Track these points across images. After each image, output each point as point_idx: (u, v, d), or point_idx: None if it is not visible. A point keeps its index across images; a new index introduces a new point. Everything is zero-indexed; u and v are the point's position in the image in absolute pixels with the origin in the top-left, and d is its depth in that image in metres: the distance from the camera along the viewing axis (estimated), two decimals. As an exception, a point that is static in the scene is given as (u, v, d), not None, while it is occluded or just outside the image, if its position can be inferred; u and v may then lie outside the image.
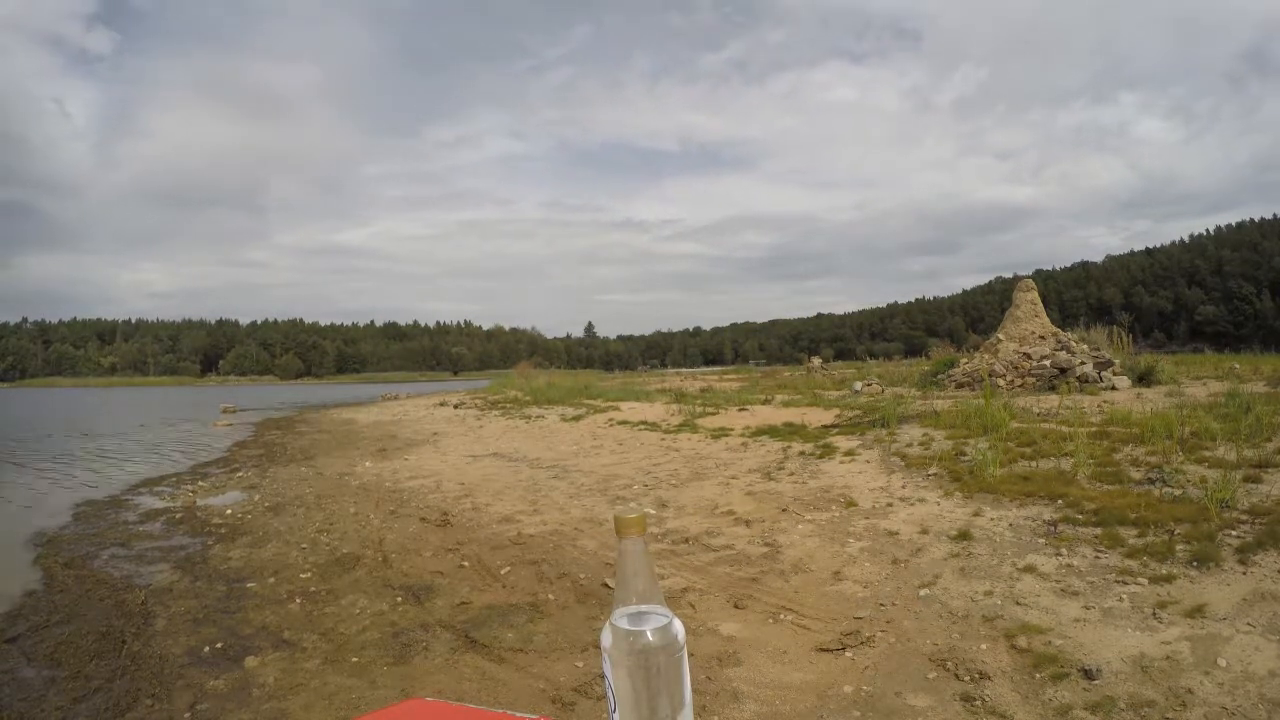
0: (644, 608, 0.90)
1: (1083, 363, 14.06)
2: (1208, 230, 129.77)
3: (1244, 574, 3.99)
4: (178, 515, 8.04)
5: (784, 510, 6.33)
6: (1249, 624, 3.44)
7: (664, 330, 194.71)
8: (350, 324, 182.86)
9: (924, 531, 5.41)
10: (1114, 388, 12.98)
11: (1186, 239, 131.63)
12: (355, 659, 3.88)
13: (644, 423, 13.59)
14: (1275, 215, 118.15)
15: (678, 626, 0.91)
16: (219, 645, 4.19)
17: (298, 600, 4.92)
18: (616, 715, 0.89)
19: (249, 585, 5.32)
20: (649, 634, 0.88)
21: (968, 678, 3.24)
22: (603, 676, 0.92)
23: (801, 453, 8.76)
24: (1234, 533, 4.49)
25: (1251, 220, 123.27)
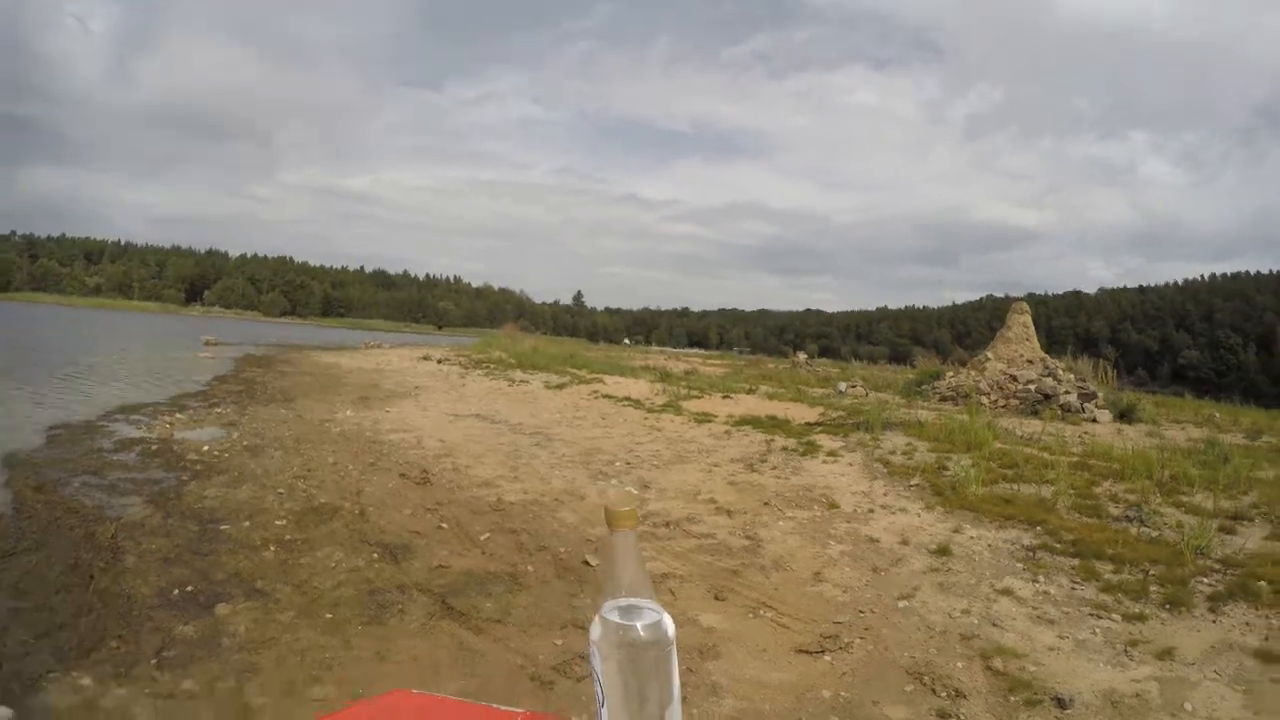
0: (634, 601, 0.89)
1: (1067, 392, 14.16)
2: (1202, 276, 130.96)
3: (1214, 622, 4.03)
4: (153, 447, 7.95)
5: (766, 504, 6.34)
6: (1215, 672, 3.49)
7: (652, 308, 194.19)
8: (340, 267, 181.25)
9: (904, 542, 5.43)
10: (1095, 420, 13.08)
11: (1181, 282, 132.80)
12: (329, 615, 3.85)
13: (628, 399, 13.57)
14: (1273, 270, 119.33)
15: (668, 622, 0.89)
16: (189, 589, 4.13)
17: (272, 548, 4.87)
18: (605, 709, 0.88)
19: (223, 527, 5.27)
20: (639, 629, 0.86)
21: (944, 694, 3.26)
22: (590, 668, 0.91)
23: (785, 448, 8.77)
24: (1206, 580, 4.54)
25: (1247, 272, 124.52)
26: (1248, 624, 3.99)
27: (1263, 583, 4.42)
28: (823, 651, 3.63)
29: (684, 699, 3.07)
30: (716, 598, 4.20)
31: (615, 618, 0.87)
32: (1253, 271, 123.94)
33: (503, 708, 1.09)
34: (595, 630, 0.88)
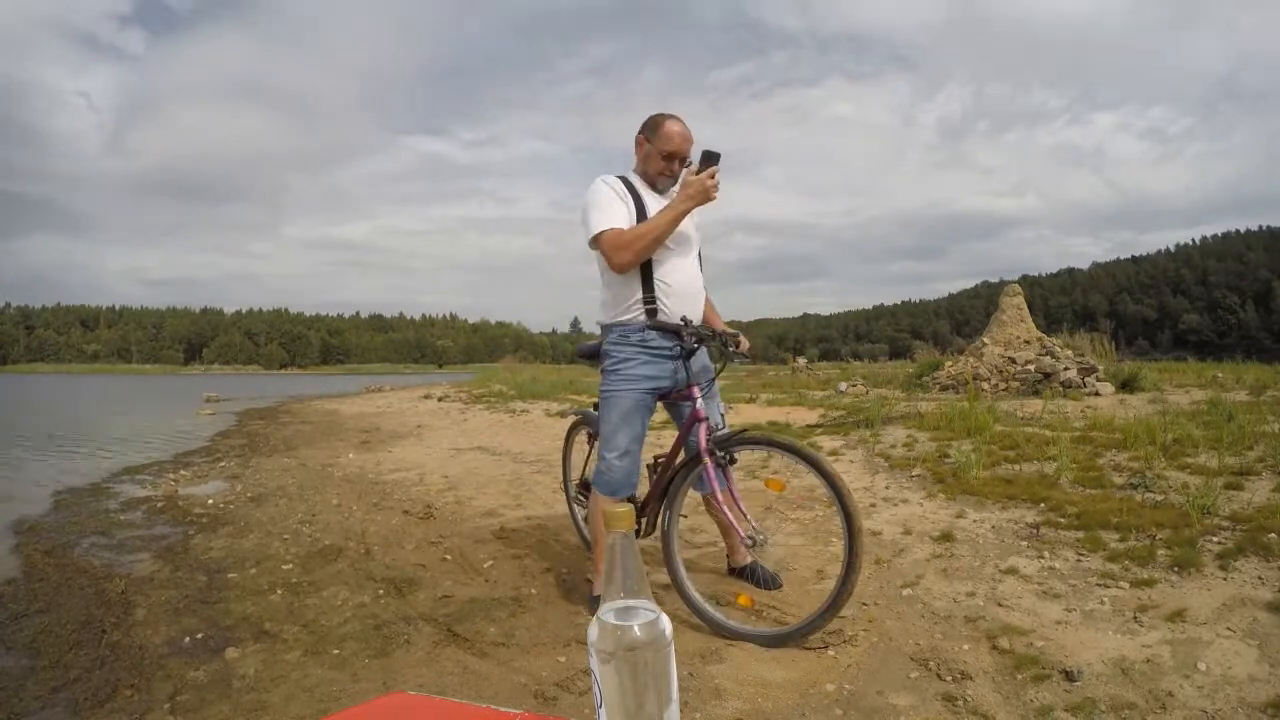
0: (631, 602, 0.91)
1: (1066, 368, 14.15)
2: (1194, 240, 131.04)
3: (1224, 579, 4.02)
4: (159, 504, 7.97)
5: (768, 508, 6.33)
6: (1229, 629, 3.48)
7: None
8: (336, 315, 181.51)
9: (907, 532, 5.43)
10: (1097, 393, 13.08)
11: (1173, 248, 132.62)
12: (336, 651, 3.86)
13: (630, 419, 13.54)
14: (1261, 227, 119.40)
15: (665, 622, 0.91)
16: (199, 636, 4.16)
17: (279, 591, 4.89)
18: (603, 711, 0.90)
19: (230, 576, 5.28)
20: (636, 629, 0.88)
21: (950, 678, 3.26)
22: (589, 672, 0.92)
23: (787, 452, 8.75)
24: (1215, 539, 4.53)
25: (1237, 231, 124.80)
26: (1259, 578, 3.98)
27: (1272, 535, 4.41)
28: (826, 647, 3.63)
29: (686, 704, 3.07)
30: (719, 604, 4.20)
31: (612, 619, 0.89)
32: (1242, 230, 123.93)
33: (502, 709, 1.10)
34: (593, 632, 0.90)
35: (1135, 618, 3.71)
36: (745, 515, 3.87)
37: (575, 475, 5.51)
